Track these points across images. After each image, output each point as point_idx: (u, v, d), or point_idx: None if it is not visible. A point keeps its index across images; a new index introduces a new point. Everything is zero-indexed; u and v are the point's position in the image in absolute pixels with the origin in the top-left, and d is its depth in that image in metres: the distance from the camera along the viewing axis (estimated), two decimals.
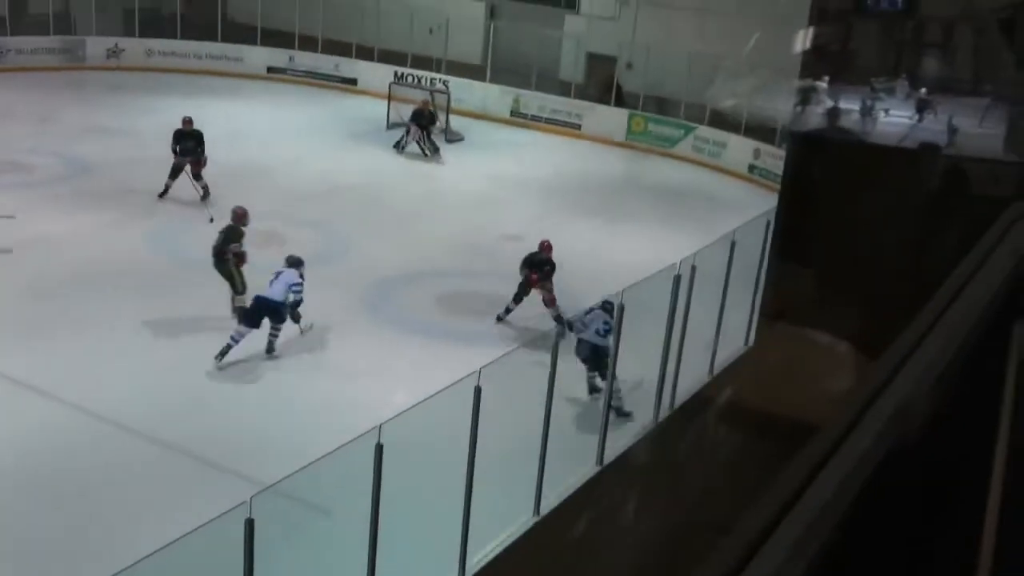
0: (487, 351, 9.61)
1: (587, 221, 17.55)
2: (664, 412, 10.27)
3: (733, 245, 10.44)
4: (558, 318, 12.51)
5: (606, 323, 10.29)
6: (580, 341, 10.52)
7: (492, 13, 26.92)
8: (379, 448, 6.57)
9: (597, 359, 10.45)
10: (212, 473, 9.32)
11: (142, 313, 12.42)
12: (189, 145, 16.29)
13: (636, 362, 10.16)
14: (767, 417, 8.82)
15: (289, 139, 21.23)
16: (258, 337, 11.56)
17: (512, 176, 20.03)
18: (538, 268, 12.93)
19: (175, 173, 16.39)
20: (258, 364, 11.52)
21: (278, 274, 11.74)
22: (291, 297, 11.61)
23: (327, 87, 26.02)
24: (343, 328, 12.61)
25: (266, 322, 11.59)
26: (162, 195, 16.51)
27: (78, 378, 10.77)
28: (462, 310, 13.50)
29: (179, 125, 16.45)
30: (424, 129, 20.76)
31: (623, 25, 25.03)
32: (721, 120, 22.35)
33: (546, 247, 13.10)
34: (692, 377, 10.74)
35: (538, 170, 20.69)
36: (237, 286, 12.43)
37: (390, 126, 22.38)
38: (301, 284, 11.67)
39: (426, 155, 20.48)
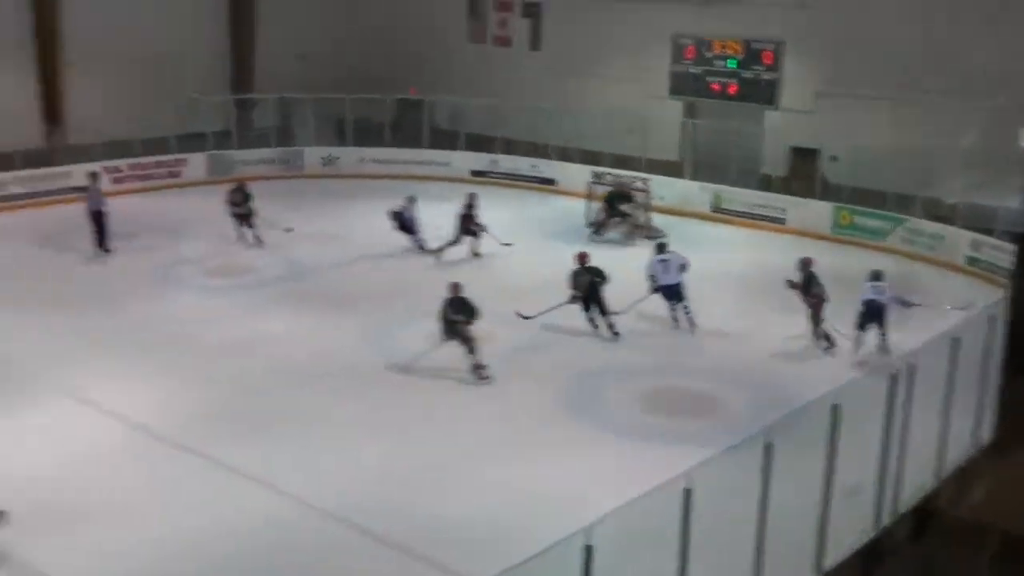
0: (695, 451, 9.43)
1: (792, 317, 17.09)
2: (886, 518, 9.72)
3: (958, 342, 9.90)
4: None
5: None
6: None
7: (690, 111, 27.07)
8: (588, 550, 6.49)
9: None
10: (418, 567, 9.47)
11: (352, 407, 12.91)
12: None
13: (854, 465, 9.71)
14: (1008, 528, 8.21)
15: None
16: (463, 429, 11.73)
17: (713, 271, 19.79)
18: None
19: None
20: (460, 457, 11.70)
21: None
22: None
23: (527, 188, 26.68)
24: (544, 422, 12.69)
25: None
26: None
27: (297, 471, 11.25)
28: (667, 408, 13.33)
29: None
30: (620, 212, 21.85)
31: (822, 118, 24.61)
32: (934, 211, 21.51)
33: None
34: (917, 481, 10.14)
35: (740, 265, 20.41)
36: (472, 346, 13.81)
37: (589, 224, 22.69)
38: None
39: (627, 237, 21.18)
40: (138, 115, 25.94)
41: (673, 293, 16.24)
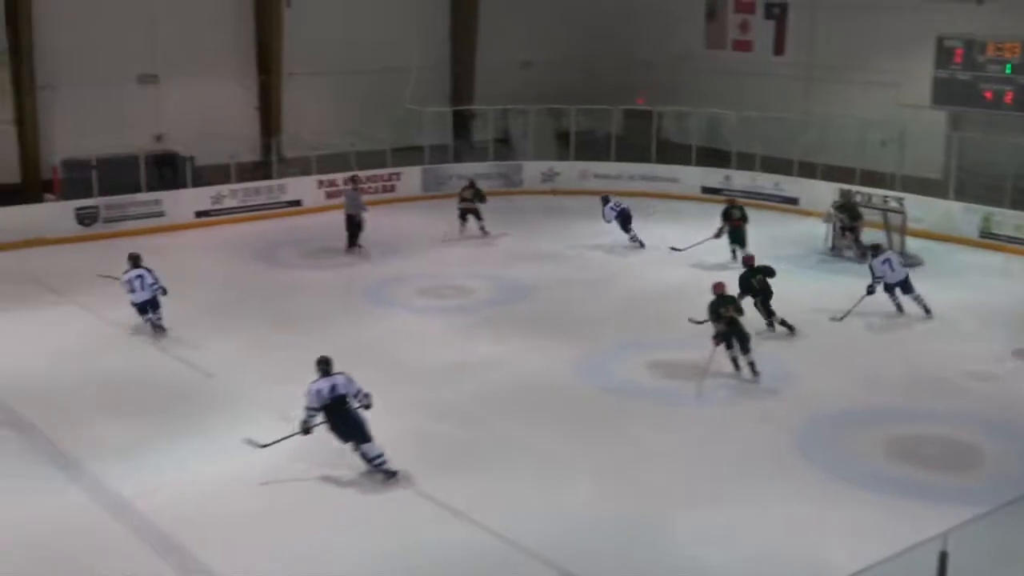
0: (950, 509, 8.84)
1: None
2: None
3: None
4: None
5: None
6: None
7: (955, 122, 25.71)
8: None
9: None
10: None
11: (565, 440, 12.91)
12: None
13: None
14: None
15: (726, 260, 21.41)
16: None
17: (980, 304, 18.67)
18: None
19: None
20: (680, 502, 11.46)
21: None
22: None
23: (766, 207, 26.04)
24: (776, 467, 12.27)
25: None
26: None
27: (502, 505, 11.33)
28: (917, 458, 12.59)
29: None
30: (850, 228, 21.41)
31: None
32: None
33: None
34: None
35: (1013, 298, 19.12)
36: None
37: (833, 248, 21.94)
38: None
39: (860, 256, 20.44)
40: (354, 128, 27.13)
41: (905, 286, 17.59)
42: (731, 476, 12.12)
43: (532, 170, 28.75)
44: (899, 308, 17.84)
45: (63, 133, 25.67)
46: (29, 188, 25.03)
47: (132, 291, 16.74)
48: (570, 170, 28.70)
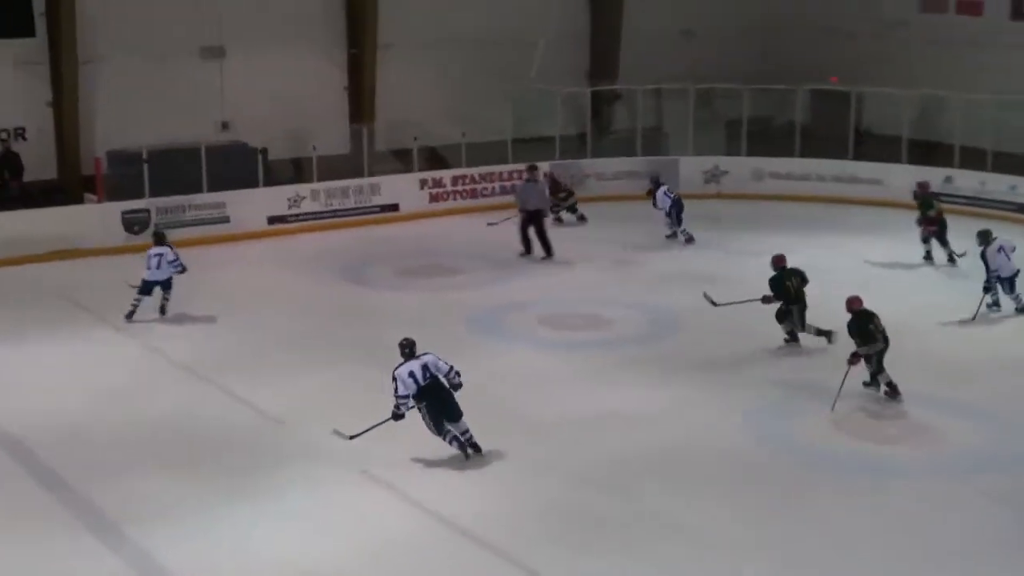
0: None
1: None
2: None
3: None
4: None
5: None
6: None
7: None
8: None
9: None
10: None
11: (732, 517, 12.64)
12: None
13: None
14: None
15: (934, 290, 20.82)
16: None
17: None
18: None
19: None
20: None
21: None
22: None
23: (1001, 217, 25.31)
24: (982, 554, 11.83)
25: None
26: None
27: None
28: None
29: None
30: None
31: None
32: None
33: None
34: None
35: None
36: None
37: None
38: None
39: None
40: (465, 113, 27.31)
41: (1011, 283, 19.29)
42: (927, 569, 11.69)
43: (691, 167, 28.52)
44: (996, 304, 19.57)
45: (108, 118, 26.43)
46: (67, 186, 25.77)
47: (149, 268, 19.09)
48: (740, 168, 28.39)
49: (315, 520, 12.44)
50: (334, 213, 26.06)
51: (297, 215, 25.60)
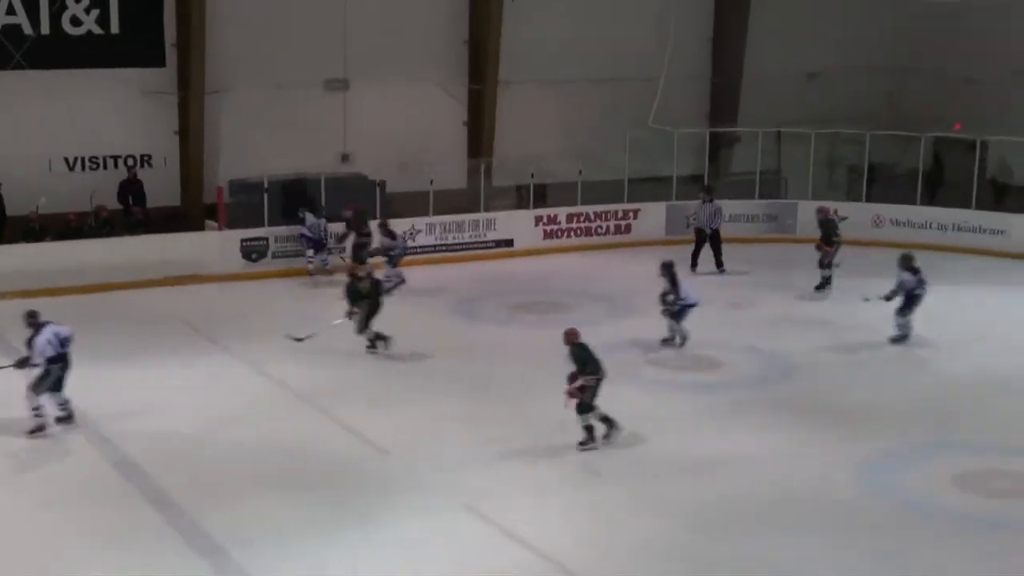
0: None
1: None
2: None
3: None
4: None
5: None
6: None
7: None
8: None
9: None
10: None
11: (840, 565, 12.39)
12: None
13: None
14: None
15: None
16: None
17: None
18: None
19: None
20: None
21: None
22: None
23: None
24: None
25: None
26: None
27: None
28: None
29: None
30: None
31: None
32: None
33: None
34: None
35: None
36: None
37: None
38: None
39: None
40: (583, 152, 27.30)
41: None
42: None
43: (810, 212, 28.07)
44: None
45: (232, 148, 26.88)
46: (189, 213, 26.24)
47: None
48: (860, 214, 27.97)
49: (419, 550, 12.48)
50: (449, 247, 26.18)
51: (413, 248, 25.72)
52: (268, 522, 13.16)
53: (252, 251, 24.63)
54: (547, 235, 26.71)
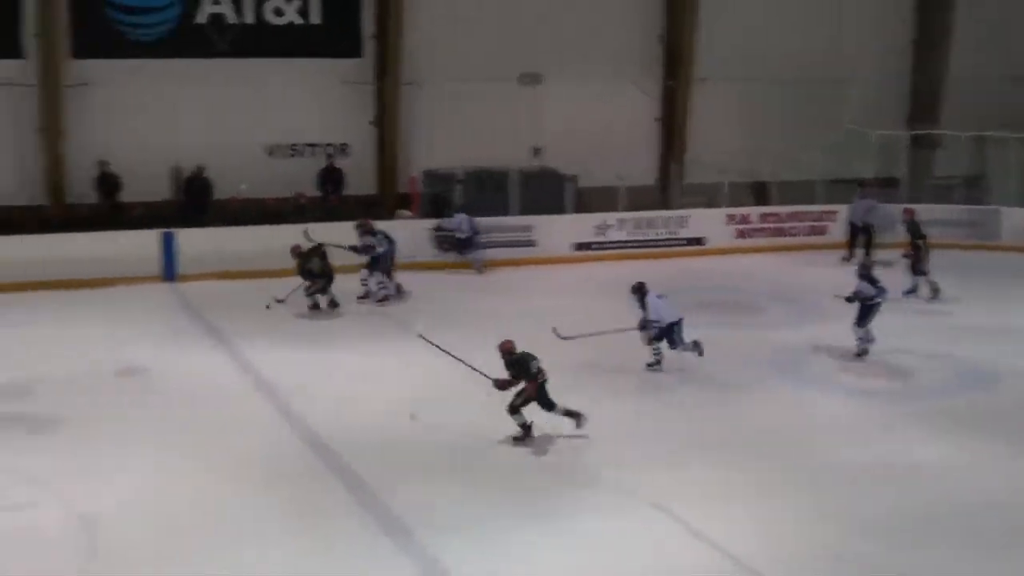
0: None
1: None
2: None
3: None
4: None
5: None
6: None
7: None
8: None
9: None
10: None
11: None
12: None
13: None
14: None
15: None
16: None
17: None
18: None
19: None
20: None
21: None
22: None
23: None
24: None
25: None
26: None
27: None
28: None
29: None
30: None
31: None
32: None
33: None
34: None
35: None
36: None
37: None
38: None
39: None
40: (776, 151, 26.85)
41: None
42: None
43: (1015, 219, 27.24)
44: None
45: (426, 138, 27.16)
46: (385, 201, 26.59)
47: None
48: None
49: (602, 547, 12.28)
50: (639, 243, 26.00)
51: (602, 243, 25.66)
52: (455, 508, 13.13)
53: (442, 240, 24.80)
54: (739, 234, 26.34)
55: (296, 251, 20.76)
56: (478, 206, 25.06)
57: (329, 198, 26.31)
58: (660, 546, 12.37)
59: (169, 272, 23.16)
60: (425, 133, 27.35)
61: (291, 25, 27.11)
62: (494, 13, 27.83)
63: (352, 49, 27.53)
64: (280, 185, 25.82)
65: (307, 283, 20.91)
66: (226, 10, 26.50)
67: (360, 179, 27.07)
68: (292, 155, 27.16)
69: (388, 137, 27.24)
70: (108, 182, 25.51)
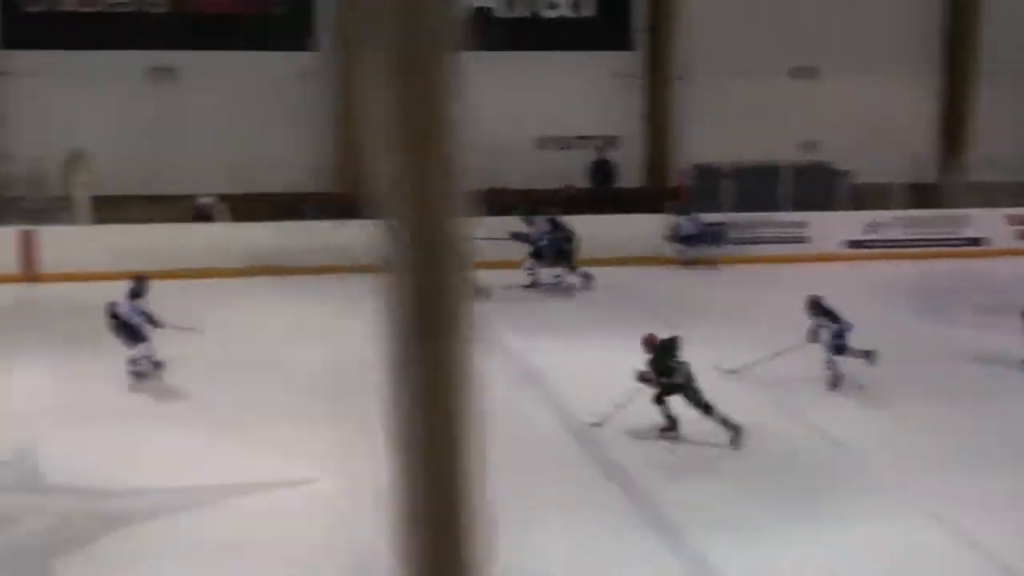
0: None
1: None
2: None
3: None
4: None
5: None
6: None
7: None
8: None
9: None
10: None
11: None
12: None
13: None
14: None
15: None
16: None
17: None
18: None
19: None
20: None
21: None
22: None
23: None
24: None
25: None
26: None
27: None
28: None
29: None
30: None
31: None
32: None
33: None
34: None
35: None
36: None
37: None
38: None
39: None
40: None
41: None
42: None
43: None
44: None
45: (696, 132, 26.94)
46: (652, 195, 26.51)
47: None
48: None
49: (872, 553, 11.93)
50: (913, 242, 25.25)
51: (875, 241, 24.99)
52: (722, 507, 12.97)
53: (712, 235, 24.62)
54: (1022, 236, 25.25)
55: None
56: (747, 201, 24.78)
57: (600, 190, 26.39)
58: (934, 555, 11.99)
59: None
60: (696, 127, 27.08)
61: (563, 18, 27.32)
62: (766, 6, 27.42)
63: (624, 42, 27.55)
64: (550, 177, 26.04)
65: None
66: (495, 3, 26.87)
67: (629, 172, 27.09)
68: (562, 148, 27.34)
69: (657, 131, 27.17)
70: None
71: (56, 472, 13.27)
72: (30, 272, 21.80)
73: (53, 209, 24.40)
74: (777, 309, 19.32)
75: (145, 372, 16.52)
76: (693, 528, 12.47)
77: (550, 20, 27.37)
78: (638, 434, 15.11)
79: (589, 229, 22.91)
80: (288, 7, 26.68)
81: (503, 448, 14.52)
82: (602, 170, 26.75)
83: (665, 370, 14.59)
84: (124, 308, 16.45)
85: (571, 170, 26.39)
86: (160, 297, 17.08)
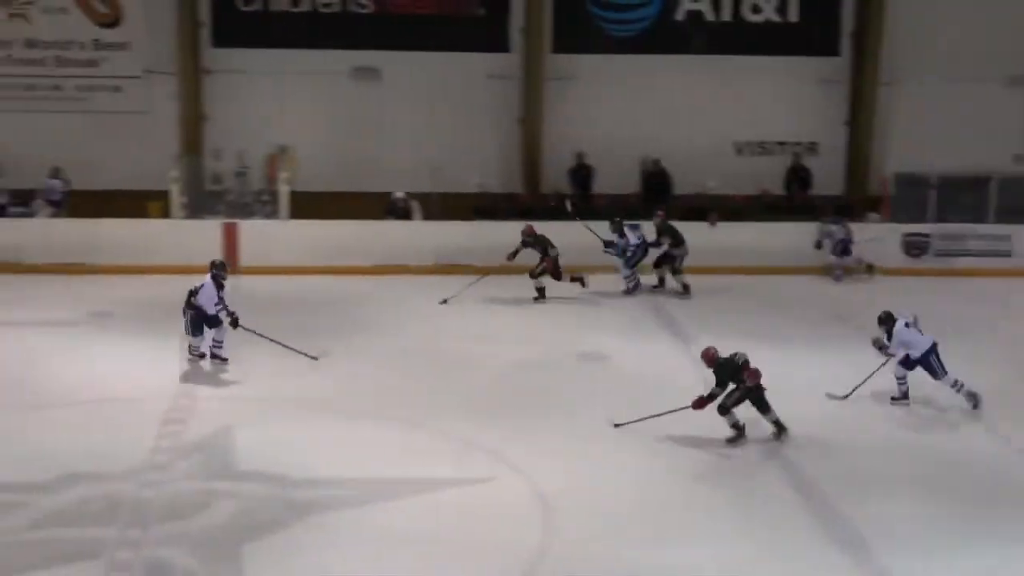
0: None
1: None
2: None
3: None
4: None
5: None
6: None
7: None
8: None
9: None
10: None
11: None
12: None
13: None
14: None
15: None
16: None
17: None
18: None
19: None
20: None
21: None
22: None
23: None
24: None
25: None
26: None
27: None
28: None
29: None
30: None
31: None
32: None
33: None
34: None
35: None
36: None
37: None
38: None
39: None
40: None
41: None
42: None
43: None
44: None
45: (902, 140, 26.34)
46: (853, 203, 25.93)
47: None
48: None
49: None
50: None
51: None
52: (915, 525, 12.43)
53: (912, 246, 23.92)
54: None
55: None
56: (952, 212, 24.07)
57: (795, 197, 25.91)
58: None
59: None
60: (902, 134, 26.41)
61: (768, 23, 26.93)
62: (981, 12, 26.47)
63: (830, 47, 27.04)
64: (747, 182, 25.81)
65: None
66: (704, 7, 26.67)
67: (828, 179, 26.53)
68: (760, 153, 26.98)
69: (860, 137, 26.56)
70: (582, 173, 26.21)
71: (246, 460, 13.56)
72: (231, 264, 22.45)
73: (256, 203, 25.14)
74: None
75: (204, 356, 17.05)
76: (883, 546, 11.95)
77: (754, 25, 27.01)
78: (828, 445, 14.74)
79: (780, 237, 22.70)
80: (487, 9, 26.87)
81: (685, 453, 14.45)
82: (798, 176, 26.27)
83: (736, 380, 14.36)
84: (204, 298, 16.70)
85: (768, 176, 26.02)
86: (349, 291, 17.32)
